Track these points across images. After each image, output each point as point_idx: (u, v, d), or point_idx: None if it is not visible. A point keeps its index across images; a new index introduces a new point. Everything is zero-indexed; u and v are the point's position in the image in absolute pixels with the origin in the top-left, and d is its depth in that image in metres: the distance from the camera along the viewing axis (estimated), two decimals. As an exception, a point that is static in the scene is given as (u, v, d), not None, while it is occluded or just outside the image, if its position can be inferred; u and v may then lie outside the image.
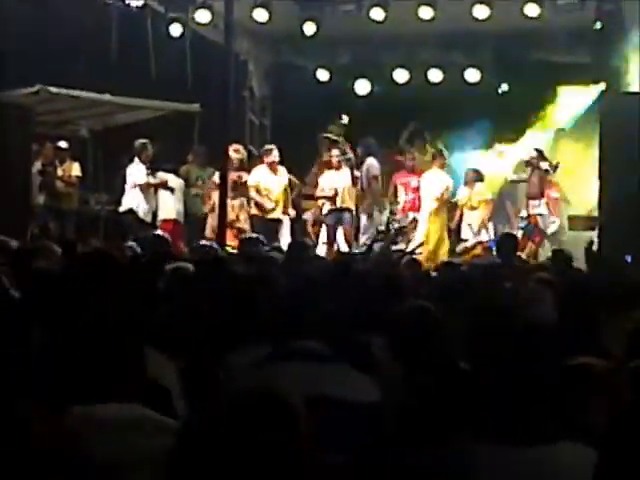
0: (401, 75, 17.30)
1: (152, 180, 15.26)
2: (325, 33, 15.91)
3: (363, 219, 15.47)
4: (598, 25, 14.96)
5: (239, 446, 2.17)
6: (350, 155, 15.38)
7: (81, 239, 11.67)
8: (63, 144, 15.66)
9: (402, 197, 15.58)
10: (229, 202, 13.51)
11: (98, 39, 15.43)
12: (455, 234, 15.48)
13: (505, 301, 5.90)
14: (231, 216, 13.99)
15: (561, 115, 16.49)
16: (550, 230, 15.17)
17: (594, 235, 12.52)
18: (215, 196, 13.97)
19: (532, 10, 14.79)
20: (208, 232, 14.53)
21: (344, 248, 14.59)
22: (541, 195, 15.15)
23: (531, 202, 15.23)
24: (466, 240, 15.31)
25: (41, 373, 3.41)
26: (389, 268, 8.67)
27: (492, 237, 15.15)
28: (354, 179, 15.18)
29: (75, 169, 15.62)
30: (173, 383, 3.97)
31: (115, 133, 16.71)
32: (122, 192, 15.30)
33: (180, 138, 16.60)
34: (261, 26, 16.23)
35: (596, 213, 13.17)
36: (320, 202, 15.26)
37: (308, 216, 16.14)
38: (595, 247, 11.90)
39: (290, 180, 15.31)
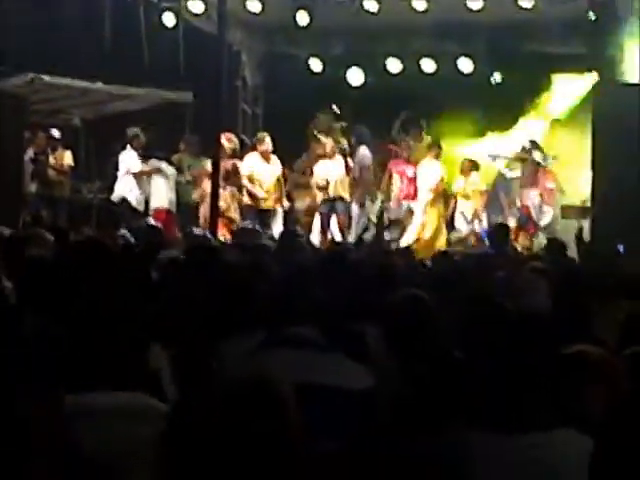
0: (394, 65, 17.27)
1: (146, 168, 15.25)
2: (318, 23, 15.88)
3: (355, 209, 15.48)
4: (592, 16, 14.96)
5: (226, 433, 2.17)
6: (344, 144, 15.36)
7: (73, 227, 11.65)
8: (55, 133, 15.63)
9: (397, 185, 15.56)
10: (221, 192, 13.50)
11: (91, 28, 15.39)
12: (449, 223, 15.52)
13: (498, 290, 5.91)
14: (222, 205, 13.97)
15: (555, 105, 16.48)
16: (544, 221, 15.17)
17: (584, 223, 12.56)
18: (206, 185, 13.98)
19: (526, 1, 14.81)
20: (202, 221, 14.51)
21: (338, 237, 14.59)
22: (534, 185, 15.17)
23: (524, 192, 15.25)
24: (459, 229, 15.33)
25: (35, 362, 3.40)
26: (382, 257, 8.67)
27: (485, 227, 15.16)
28: (348, 168, 15.17)
29: (67, 157, 15.61)
30: (167, 372, 3.98)
31: (107, 122, 16.70)
32: (114, 180, 15.30)
33: (172, 127, 16.57)
34: (254, 16, 16.22)
35: (589, 203, 13.20)
36: (314, 191, 15.25)
37: (301, 205, 16.13)
38: (586, 235, 11.94)
39: (284, 171, 15.31)
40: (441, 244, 14.59)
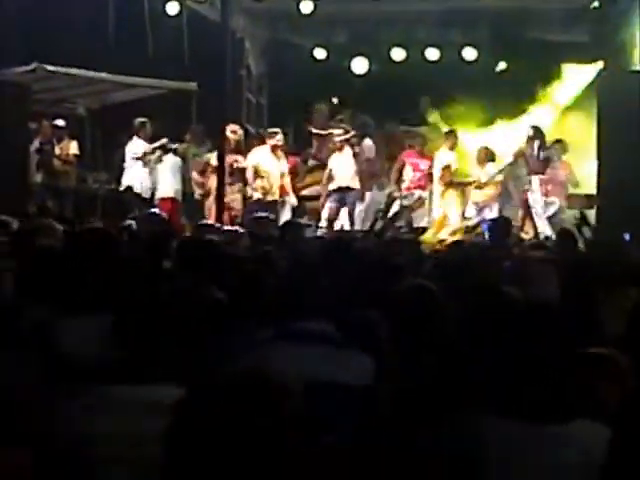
0: (398, 53, 17.26)
1: (153, 145, 15.25)
2: (322, 11, 15.88)
3: (361, 198, 15.48)
4: (595, 3, 14.94)
5: (226, 427, 2.21)
6: (352, 133, 15.32)
7: (79, 218, 11.68)
8: (61, 122, 15.64)
9: (409, 175, 15.50)
10: (227, 189, 13.61)
11: (95, 17, 15.39)
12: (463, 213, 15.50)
13: (505, 279, 5.91)
14: (227, 200, 14.03)
15: (560, 93, 16.45)
16: (549, 211, 15.04)
17: (583, 211, 12.55)
18: (211, 181, 14.09)
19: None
20: (207, 214, 14.54)
21: (347, 227, 14.61)
22: (537, 174, 15.07)
23: (526, 180, 15.20)
24: (469, 219, 15.28)
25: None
26: (389, 246, 8.67)
27: (486, 219, 15.01)
28: (356, 158, 15.15)
29: (73, 147, 15.61)
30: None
31: (112, 111, 16.70)
32: (121, 171, 15.33)
33: (178, 116, 16.58)
34: (258, 3, 16.22)
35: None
36: (323, 182, 15.31)
37: (310, 195, 16.11)
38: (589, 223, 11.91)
39: (295, 164, 15.36)
40: (451, 233, 14.57)
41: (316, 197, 15.79)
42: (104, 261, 5.17)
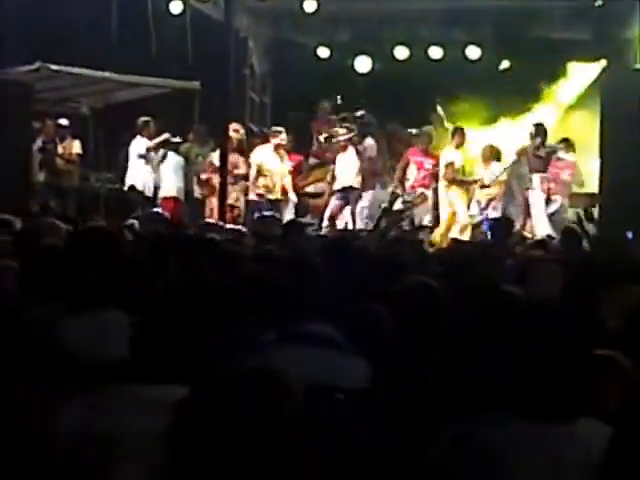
0: (402, 52, 17.23)
1: (156, 140, 15.26)
2: (325, 10, 15.87)
3: (363, 197, 15.46)
4: (599, 1, 14.93)
5: (226, 426, 2.21)
6: (354, 132, 15.31)
7: (82, 217, 11.69)
8: (64, 121, 15.66)
9: (413, 174, 15.43)
10: (229, 188, 13.63)
11: (99, 16, 15.40)
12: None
13: (507, 278, 5.91)
14: (230, 200, 14.04)
15: (563, 91, 16.42)
16: (550, 209, 14.98)
17: (588, 207, 12.53)
18: (214, 181, 14.11)
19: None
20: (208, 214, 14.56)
21: (350, 226, 14.61)
22: (538, 171, 15.00)
23: (528, 179, 15.15)
24: (472, 217, 15.23)
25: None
26: (390, 244, 8.68)
27: (487, 219, 14.96)
28: (359, 157, 15.13)
29: (76, 147, 15.64)
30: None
31: (115, 111, 16.70)
32: (124, 170, 15.34)
33: (181, 116, 16.59)
34: (261, 2, 16.22)
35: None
36: (326, 181, 15.32)
37: (314, 194, 16.11)
38: (586, 221, 11.90)
39: (299, 162, 15.37)
40: (455, 232, 14.54)
41: (319, 194, 15.81)
42: (107, 260, 5.18)
